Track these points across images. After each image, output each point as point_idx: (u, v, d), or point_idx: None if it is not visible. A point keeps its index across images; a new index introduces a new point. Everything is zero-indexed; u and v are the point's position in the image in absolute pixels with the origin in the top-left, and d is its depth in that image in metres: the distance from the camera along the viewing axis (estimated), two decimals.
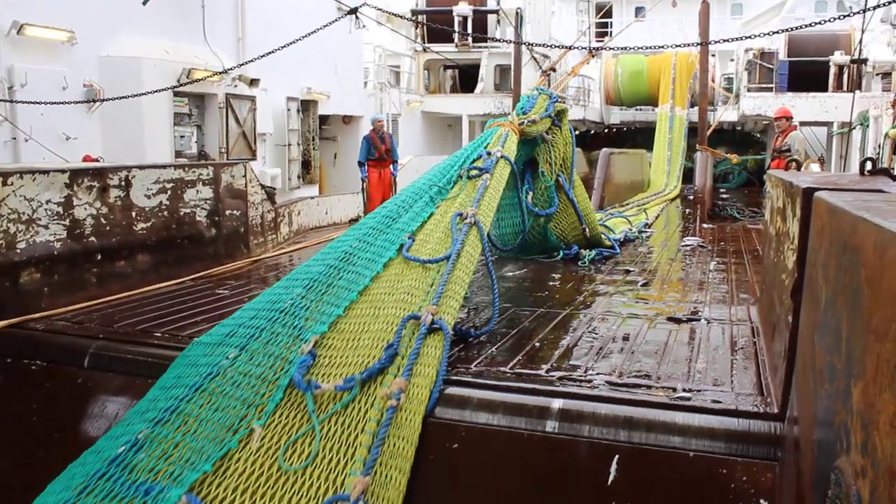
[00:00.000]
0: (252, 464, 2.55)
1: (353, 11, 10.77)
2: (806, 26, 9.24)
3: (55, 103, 7.93)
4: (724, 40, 9.09)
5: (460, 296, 3.37)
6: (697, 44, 12.72)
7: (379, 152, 11.69)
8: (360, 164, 11.73)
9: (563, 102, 6.24)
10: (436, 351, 2.96)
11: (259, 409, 2.77)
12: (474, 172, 4.42)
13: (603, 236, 6.74)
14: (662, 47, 9.62)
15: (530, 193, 5.92)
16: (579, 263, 6.03)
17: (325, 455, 2.56)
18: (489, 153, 4.69)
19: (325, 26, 9.24)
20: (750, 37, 11.33)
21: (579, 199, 6.28)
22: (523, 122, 5.50)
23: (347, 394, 2.75)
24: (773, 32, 9.37)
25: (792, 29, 9.28)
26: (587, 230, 6.31)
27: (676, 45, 9.94)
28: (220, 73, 9.96)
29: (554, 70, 15.84)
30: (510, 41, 15.64)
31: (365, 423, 2.61)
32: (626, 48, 12.17)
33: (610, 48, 21.69)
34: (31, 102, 7.80)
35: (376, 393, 2.73)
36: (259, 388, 2.86)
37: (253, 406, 2.78)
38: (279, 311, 3.30)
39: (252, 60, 9.56)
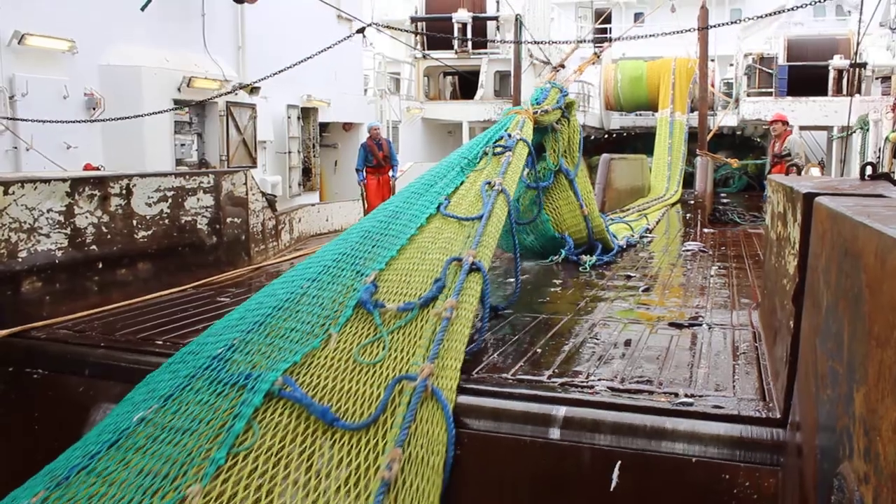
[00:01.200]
0: (332, 359, 3.05)
1: (362, 30, 10.88)
2: (800, 5, 9.20)
3: (60, 121, 8.00)
4: (718, 25, 9.18)
5: (493, 246, 3.86)
6: (697, 28, 12.99)
7: (376, 159, 11.73)
8: (358, 170, 11.79)
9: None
10: (477, 285, 3.46)
11: (334, 321, 3.29)
12: (499, 150, 4.86)
13: (606, 230, 6.76)
14: (670, 33, 9.72)
15: (526, 170, 6.02)
16: (580, 269, 6.03)
17: (392, 354, 3.06)
18: (510, 135, 5.09)
19: (333, 45, 9.36)
20: (744, 20, 11.44)
21: (582, 187, 6.40)
22: (537, 112, 5.81)
23: (408, 314, 3.26)
24: (765, 15, 9.36)
25: (790, 9, 9.30)
26: (584, 207, 6.34)
27: (684, 32, 10.15)
28: (232, 90, 9.96)
29: (563, 66, 15.86)
30: (511, 41, 15.66)
31: (423, 333, 3.12)
32: (634, 37, 12.30)
33: (617, 38, 21.60)
34: (35, 121, 7.87)
35: (430, 313, 3.22)
36: (332, 307, 3.42)
37: (329, 318, 3.32)
38: (341, 254, 3.89)
39: (264, 79, 9.66)
